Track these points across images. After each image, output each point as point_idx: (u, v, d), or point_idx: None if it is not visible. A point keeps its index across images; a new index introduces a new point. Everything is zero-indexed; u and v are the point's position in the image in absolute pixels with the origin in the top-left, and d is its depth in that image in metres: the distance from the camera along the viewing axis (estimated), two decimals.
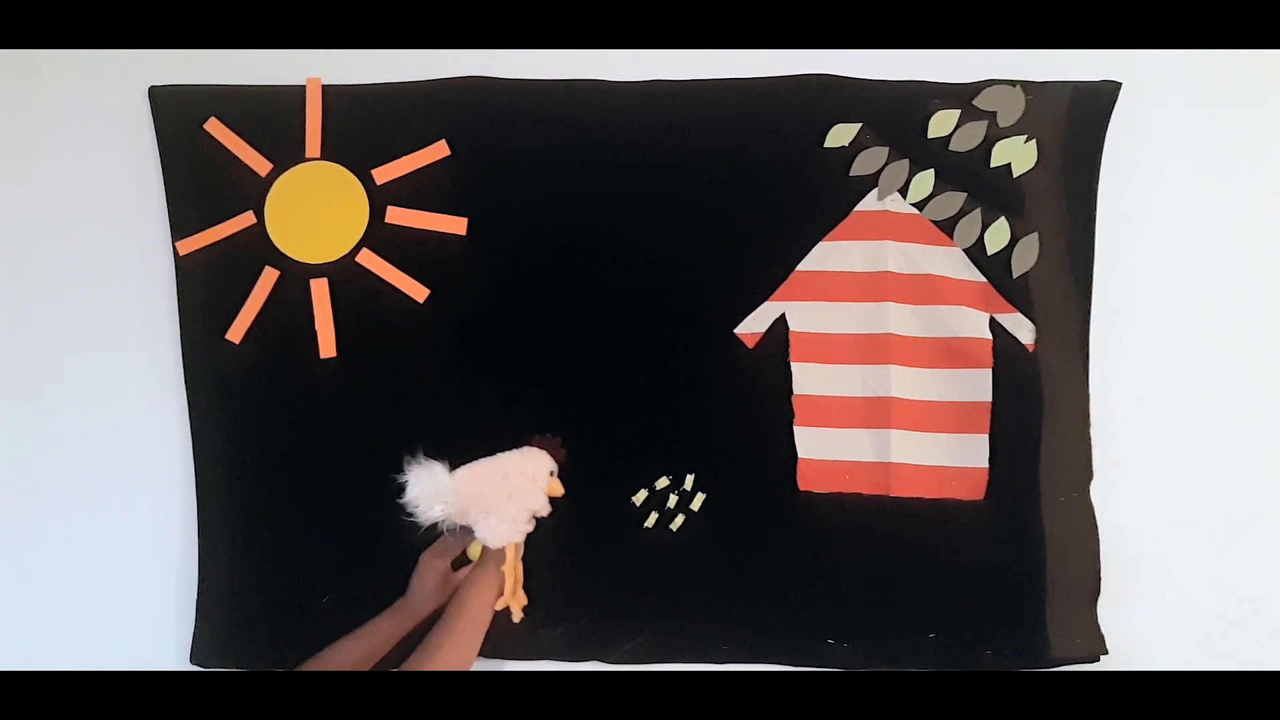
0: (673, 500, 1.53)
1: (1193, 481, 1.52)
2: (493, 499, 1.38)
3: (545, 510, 1.42)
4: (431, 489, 1.35)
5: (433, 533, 1.38)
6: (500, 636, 1.40)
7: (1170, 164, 1.54)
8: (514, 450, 1.43)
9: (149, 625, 1.56)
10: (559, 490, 1.44)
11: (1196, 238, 1.54)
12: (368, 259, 1.54)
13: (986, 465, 1.50)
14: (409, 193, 1.55)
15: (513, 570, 1.40)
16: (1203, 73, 1.53)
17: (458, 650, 1.30)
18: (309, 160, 1.56)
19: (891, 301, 1.51)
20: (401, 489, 1.34)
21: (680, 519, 1.52)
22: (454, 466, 1.38)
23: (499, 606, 1.39)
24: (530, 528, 1.41)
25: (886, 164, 1.51)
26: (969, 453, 1.51)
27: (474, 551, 1.46)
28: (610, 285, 1.54)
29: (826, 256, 1.53)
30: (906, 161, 1.51)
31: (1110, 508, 1.51)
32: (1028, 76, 1.51)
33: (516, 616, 1.43)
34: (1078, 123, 1.52)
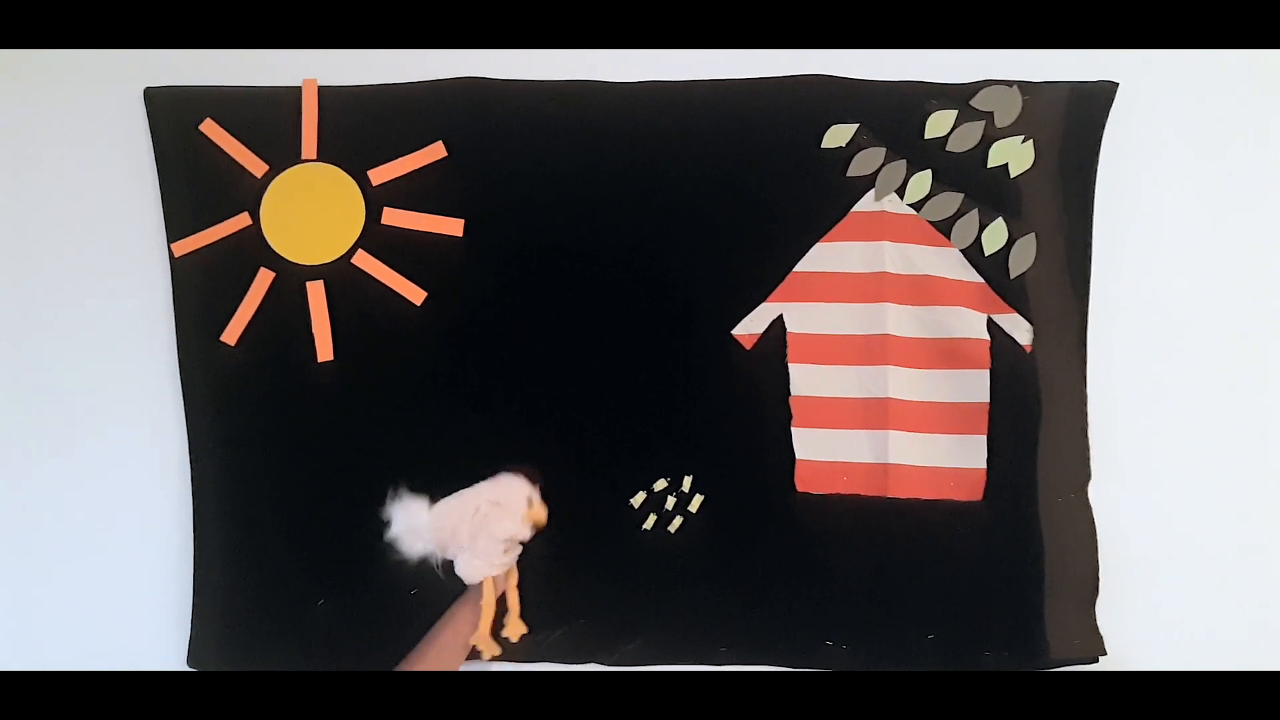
0: (671, 502, 1.52)
1: (1191, 482, 1.52)
2: (463, 533, 1.36)
3: (522, 535, 1.38)
4: (409, 526, 1.36)
5: (424, 566, 1.38)
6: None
7: (1168, 164, 1.54)
8: (488, 480, 1.41)
9: (145, 627, 1.56)
10: (542, 518, 1.40)
11: (1194, 238, 1.54)
12: (364, 261, 1.54)
13: (984, 466, 1.50)
14: (405, 194, 1.54)
15: (490, 608, 1.37)
16: (1200, 72, 1.53)
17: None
18: (305, 161, 1.55)
19: (889, 302, 1.51)
20: (386, 525, 1.37)
21: (678, 521, 1.52)
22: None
23: (472, 642, 1.37)
24: (508, 558, 1.38)
25: (884, 164, 1.51)
26: (967, 453, 1.51)
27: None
28: (607, 286, 1.54)
29: (824, 257, 1.53)
30: (904, 162, 1.51)
31: (1108, 508, 1.51)
32: (1025, 76, 1.51)
33: (486, 655, 1.38)
34: (1075, 123, 1.52)
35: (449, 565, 1.39)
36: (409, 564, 1.38)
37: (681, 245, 1.53)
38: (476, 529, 1.35)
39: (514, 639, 1.41)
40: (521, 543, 1.39)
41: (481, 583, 1.37)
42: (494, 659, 1.40)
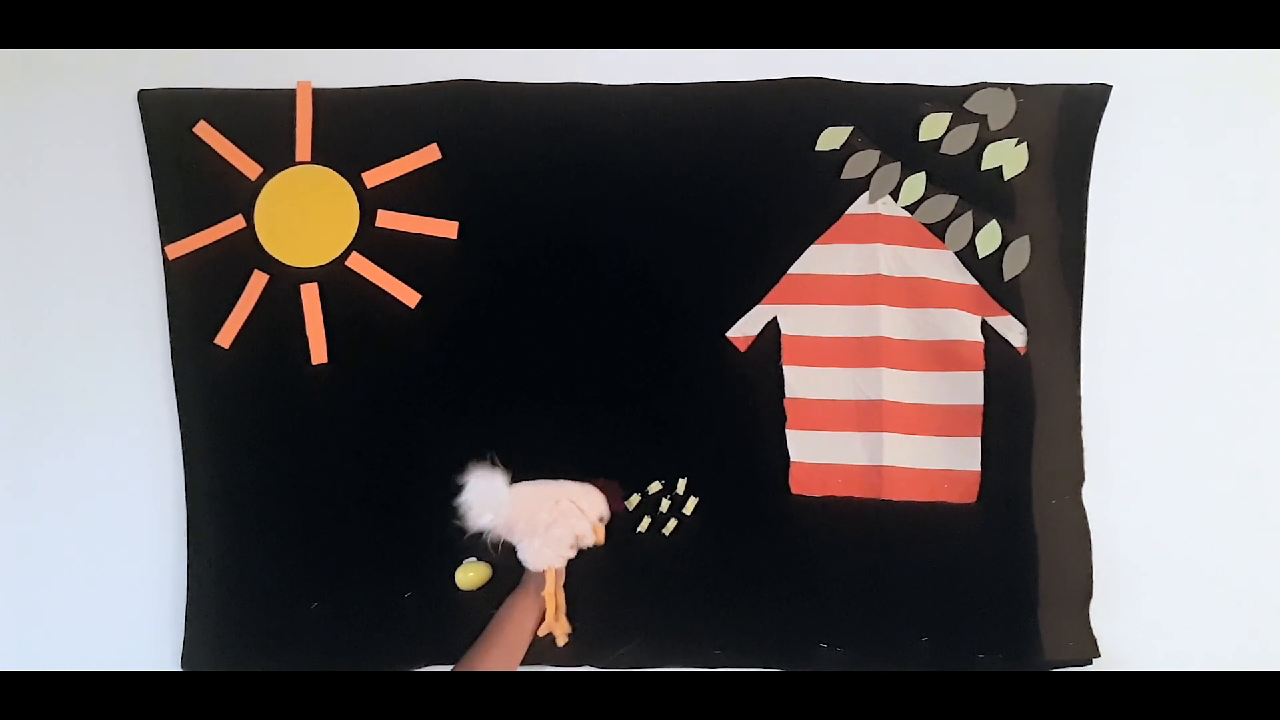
0: (665, 504, 1.52)
1: (1184, 484, 1.52)
2: (540, 520, 1.38)
3: (588, 540, 1.41)
4: (487, 497, 1.37)
5: (477, 540, 1.39)
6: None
7: (1161, 166, 1.54)
8: (576, 482, 1.44)
9: (139, 628, 1.56)
10: (601, 537, 1.43)
11: (1187, 240, 1.54)
12: (358, 263, 1.54)
13: (978, 468, 1.50)
14: (400, 196, 1.54)
15: (553, 596, 1.39)
16: (1194, 74, 1.53)
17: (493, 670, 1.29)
18: (299, 164, 1.55)
19: (883, 304, 1.51)
20: (459, 489, 1.37)
21: (673, 523, 1.52)
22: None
23: (541, 633, 1.39)
24: (572, 554, 1.40)
25: (878, 167, 1.52)
26: (961, 456, 1.51)
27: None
28: (602, 288, 1.54)
29: (818, 260, 1.53)
30: (898, 164, 1.51)
31: (1102, 510, 1.51)
32: (1019, 79, 1.52)
33: (560, 642, 1.41)
34: (1069, 125, 1.52)
35: (507, 548, 1.40)
36: (466, 535, 1.39)
37: (676, 247, 1.53)
38: (554, 518, 1.38)
39: (560, 634, 1.42)
40: (580, 550, 1.41)
41: (544, 572, 1.38)
42: (567, 641, 1.42)
